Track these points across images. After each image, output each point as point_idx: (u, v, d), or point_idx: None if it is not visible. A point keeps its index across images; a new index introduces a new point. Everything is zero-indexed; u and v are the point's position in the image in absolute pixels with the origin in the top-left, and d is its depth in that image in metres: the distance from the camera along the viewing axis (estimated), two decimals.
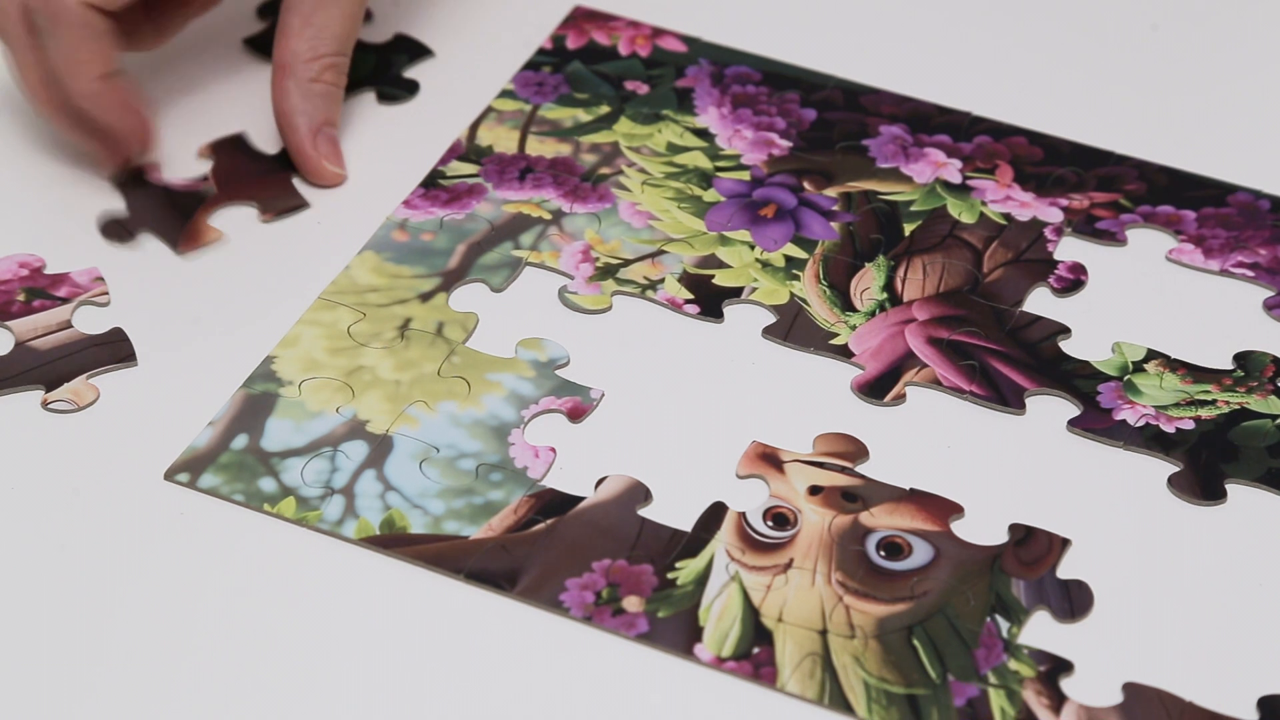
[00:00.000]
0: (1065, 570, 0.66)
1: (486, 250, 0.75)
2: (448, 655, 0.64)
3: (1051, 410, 0.70)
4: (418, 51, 0.82)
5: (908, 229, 0.75)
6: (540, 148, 0.78)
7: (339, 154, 0.75)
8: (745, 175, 0.77)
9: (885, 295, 0.73)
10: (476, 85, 0.81)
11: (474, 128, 0.79)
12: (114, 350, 0.71)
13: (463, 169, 0.78)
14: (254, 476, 0.68)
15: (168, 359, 0.71)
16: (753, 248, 0.75)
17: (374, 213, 0.76)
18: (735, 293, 0.73)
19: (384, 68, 0.82)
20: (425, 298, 0.73)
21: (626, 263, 0.74)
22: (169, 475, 0.68)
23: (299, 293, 0.73)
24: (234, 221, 0.76)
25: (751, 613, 0.65)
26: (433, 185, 0.77)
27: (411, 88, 0.81)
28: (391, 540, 0.67)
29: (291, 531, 0.67)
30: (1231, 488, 0.68)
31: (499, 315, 0.73)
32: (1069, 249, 0.75)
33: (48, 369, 0.71)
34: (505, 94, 0.80)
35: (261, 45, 0.82)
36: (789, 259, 0.74)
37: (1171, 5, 0.83)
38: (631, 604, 0.65)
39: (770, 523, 0.67)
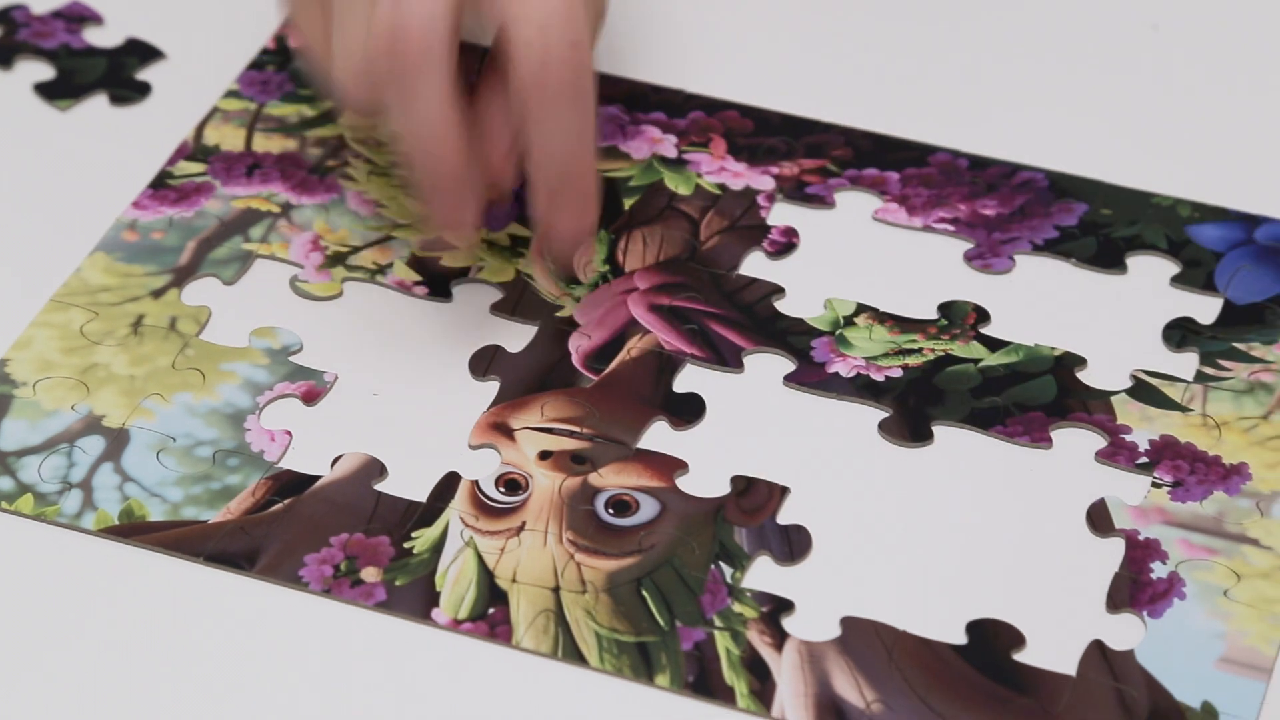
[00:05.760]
0: (785, 516, 0.69)
1: (216, 245, 0.76)
2: (191, 636, 0.65)
3: (769, 367, 0.73)
4: (149, 54, 0.84)
5: (627, 203, 0.78)
6: (267, 144, 0.80)
7: None
8: None
9: (607, 267, 0.76)
10: (207, 86, 0.82)
11: (200, 128, 0.80)
12: None
13: (190, 168, 0.79)
14: None
15: None
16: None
17: (104, 214, 0.77)
18: (463, 273, 0.76)
19: (116, 70, 0.83)
20: (157, 294, 0.75)
21: (355, 249, 0.76)
22: None
23: (30, 296, 0.74)
24: None
25: (486, 575, 0.67)
26: (161, 185, 0.78)
27: (143, 89, 0.82)
28: (131, 529, 0.68)
29: (30, 527, 0.68)
30: (938, 429, 0.71)
31: (231, 307, 0.74)
32: (781, 214, 0.78)
33: None
34: (231, 94, 0.82)
35: (51, 91, 0.82)
36: (514, 238, 0.77)
37: None
38: (369, 574, 0.67)
39: (502, 489, 0.69)
